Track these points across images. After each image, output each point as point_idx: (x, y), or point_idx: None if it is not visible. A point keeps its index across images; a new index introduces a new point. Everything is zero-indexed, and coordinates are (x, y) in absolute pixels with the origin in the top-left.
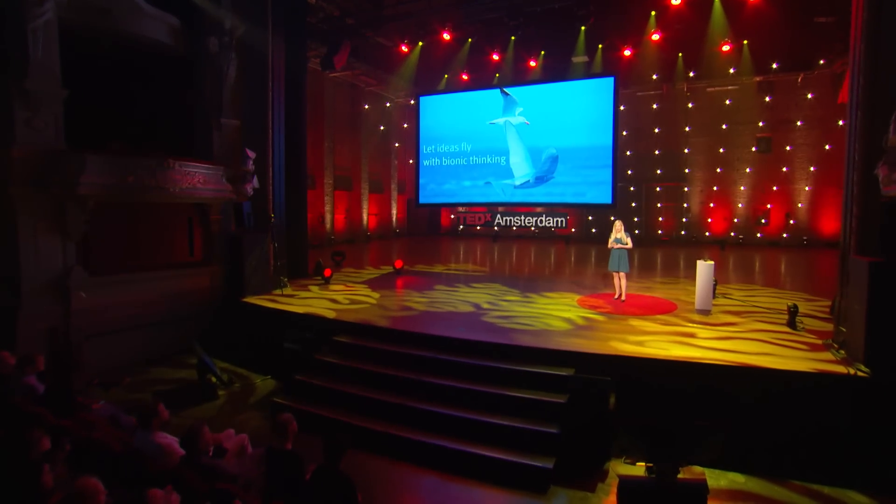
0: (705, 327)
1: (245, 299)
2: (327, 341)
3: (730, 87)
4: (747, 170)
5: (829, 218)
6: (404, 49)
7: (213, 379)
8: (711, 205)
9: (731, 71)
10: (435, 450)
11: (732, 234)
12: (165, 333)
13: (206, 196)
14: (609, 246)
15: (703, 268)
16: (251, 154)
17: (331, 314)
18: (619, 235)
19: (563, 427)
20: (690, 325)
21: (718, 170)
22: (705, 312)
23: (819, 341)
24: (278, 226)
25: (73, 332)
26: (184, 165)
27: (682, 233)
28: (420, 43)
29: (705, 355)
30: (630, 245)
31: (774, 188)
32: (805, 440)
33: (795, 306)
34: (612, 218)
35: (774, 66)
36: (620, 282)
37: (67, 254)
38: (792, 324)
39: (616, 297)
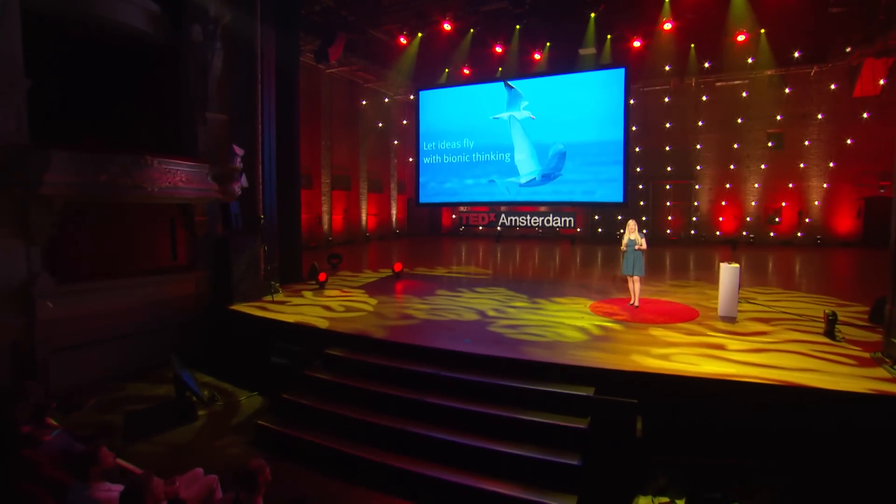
0: (734, 337)
1: (233, 307)
2: (319, 355)
3: (738, 82)
4: (762, 166)
5: (844, 216)
6: (403, 41)
7: (194, 397)
8: (723, 203)
9: (750, 60)
10: (439, 485)
11: (744, 233)
12: (145, 345)
13: (190, 196)
14: (622, 247)
15: (728, 271)
16: (239, 151)
17: (323, 323)
18: (633, 236)
19: (584, 457)
20: (717, 334)
21: (732, 166)
22: (731, 320)
23: (866, 354)
24: (269, 227)
25: (39, 345)
26: (163, 163)
27: (692, 232)
28: (419, 34)
29: (740, 371)
30: (645, 246)
31: (791, 185)
32: (867, 475)
33: (834, 314)
34: (619, 217)
35: (797, 54)
36: (634, 286)
37: (32, 260)
38: (830, 333)
39: (630, 302)
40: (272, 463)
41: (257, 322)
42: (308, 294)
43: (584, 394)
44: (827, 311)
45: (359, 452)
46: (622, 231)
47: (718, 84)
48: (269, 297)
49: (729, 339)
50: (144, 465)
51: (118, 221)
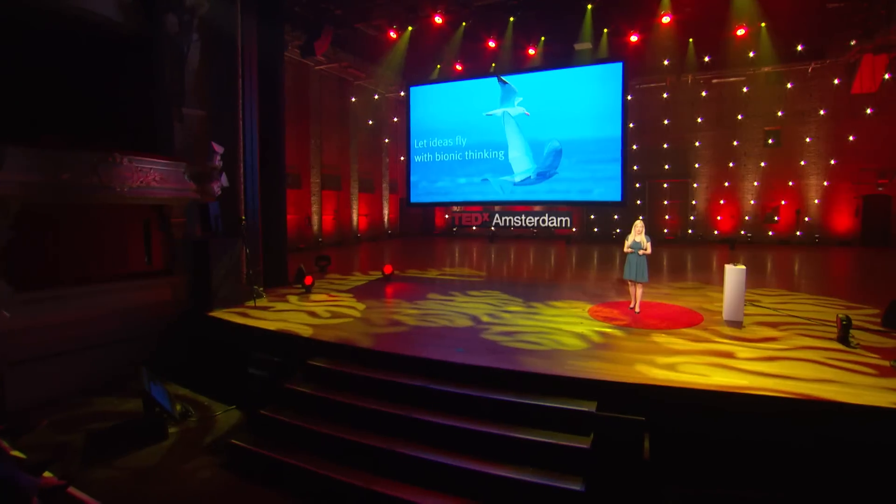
0: (742, 344)
1: (212, 313)
2: (301, 365)
3: (734, 79)
4: (762, 164)
5: (842, 214)
6: (393, 35)
7: (165, 413)
8: (721, 202)
9: (752, 54)
10: None
11: (742, 232)
12: (116, 355)
13: (165, 196)
14: (625, 249)
15: (734, 273)
16: (219, 149)
17: (307, 331)
18: (638, 238)
19: (588, 482)
20: (724, 340)
21: (731, 164)
22: (737, 325)
23: (885, 362)
24: (251, 229)
25: None
26: (134, 161)
27: (690, 231)
28: (409, 28)
29: (754, 383)
30: (650, 250)
31: (790, 183)
32: None
33: (848, 318)
34: (616, 216)
35: (800, 47)
36: (636, 291)
37: None
38: (844, 339)
39: (631, 306)
40: (246, 488)
41: (237, 329)
42: (293, 299)
43: (586, 409)
44: (840, 315)
45: (341, 476)
46: (619, 231)
47: (715, 81)
48: (251, 303)
49: (737, 345)
50: (102, 494)
51: (85, 223)
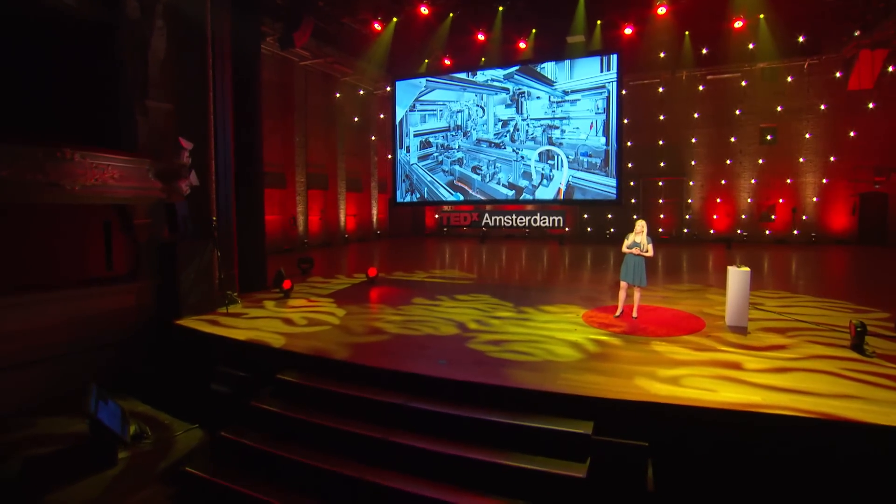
0: (750, 353)
1: (179, 321)
2: (270, 380)
3: (728, 75)
4: (760, 161)
5: (839, 213)
6: (377, 27)
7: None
8: (718, 200)
9: (751, 46)
10: None
11: (738, 231)
12: (71, 369)
13: (126, 195)
14: (623, 250)
15: (737, 275)
16: (187, 145)
17: (279, 341)
18: (638, 239)
19: None
20: (730, 349)
21: (728, 161)
22: (741, 331)
23: None
24: (224, 230)
25: None
26: (88, 156)
27: (685, 230)
28: (395, 19)
29: (767, 400)
30: (651, 253)
31: (789, 181)
32: None
33: (863, 325)
34: (609, 216)
35: (801, 39)
36: (634, 296)
37: None
38: (859, 347)
39: (616, 314)
40: None
41: (204, 339)
42: (270, 304)
43: (582, 431)
44: (854, 320)
45: None
46: (613, 230)
47: (711, 77)
48: (223, 310)
49: (744, 355)
50: None
51: (31, 225)
